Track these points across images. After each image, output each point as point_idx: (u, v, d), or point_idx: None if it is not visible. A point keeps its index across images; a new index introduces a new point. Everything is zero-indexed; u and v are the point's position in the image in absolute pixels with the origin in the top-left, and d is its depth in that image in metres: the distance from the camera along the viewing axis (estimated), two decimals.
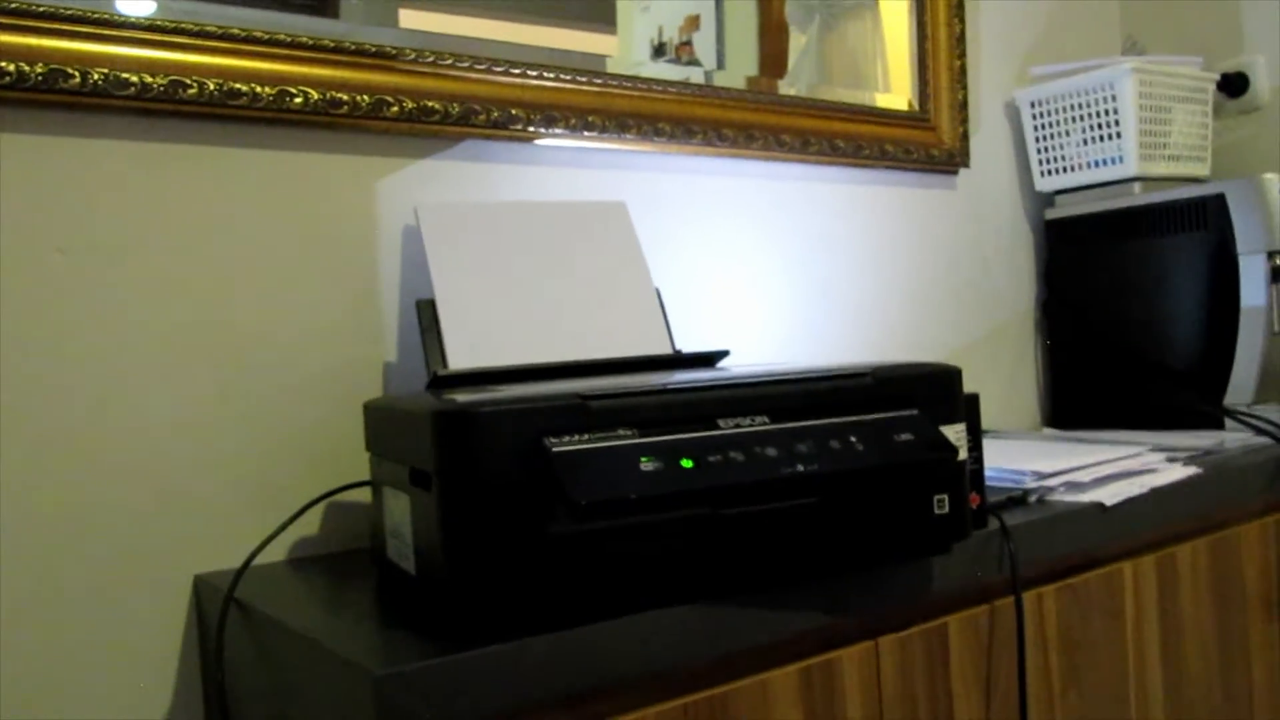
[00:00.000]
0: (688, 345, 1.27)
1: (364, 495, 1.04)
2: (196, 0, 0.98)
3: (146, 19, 0.95)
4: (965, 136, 1.60)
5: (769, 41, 1.44)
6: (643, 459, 0.68)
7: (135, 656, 0.94)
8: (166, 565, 0.96)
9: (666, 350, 1.06)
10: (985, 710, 0.94)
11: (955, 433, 0.82)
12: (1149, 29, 1.88)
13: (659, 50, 1.33)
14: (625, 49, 1.29)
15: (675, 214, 1.32)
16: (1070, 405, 1.70)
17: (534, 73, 1.17)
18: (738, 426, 0.72)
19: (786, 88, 1.43)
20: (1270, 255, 1.44)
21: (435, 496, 0.69)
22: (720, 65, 1.37)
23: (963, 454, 0.82)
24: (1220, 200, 1.48)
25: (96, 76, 0.92)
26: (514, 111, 1.15)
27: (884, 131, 1.51)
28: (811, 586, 0.81)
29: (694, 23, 1.38)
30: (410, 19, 1.12)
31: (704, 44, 1.37)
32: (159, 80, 0.95)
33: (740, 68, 1.39)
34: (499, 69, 1.14)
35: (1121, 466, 1.14)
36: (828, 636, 0.85)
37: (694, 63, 1.35)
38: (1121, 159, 1.59)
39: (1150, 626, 1.10)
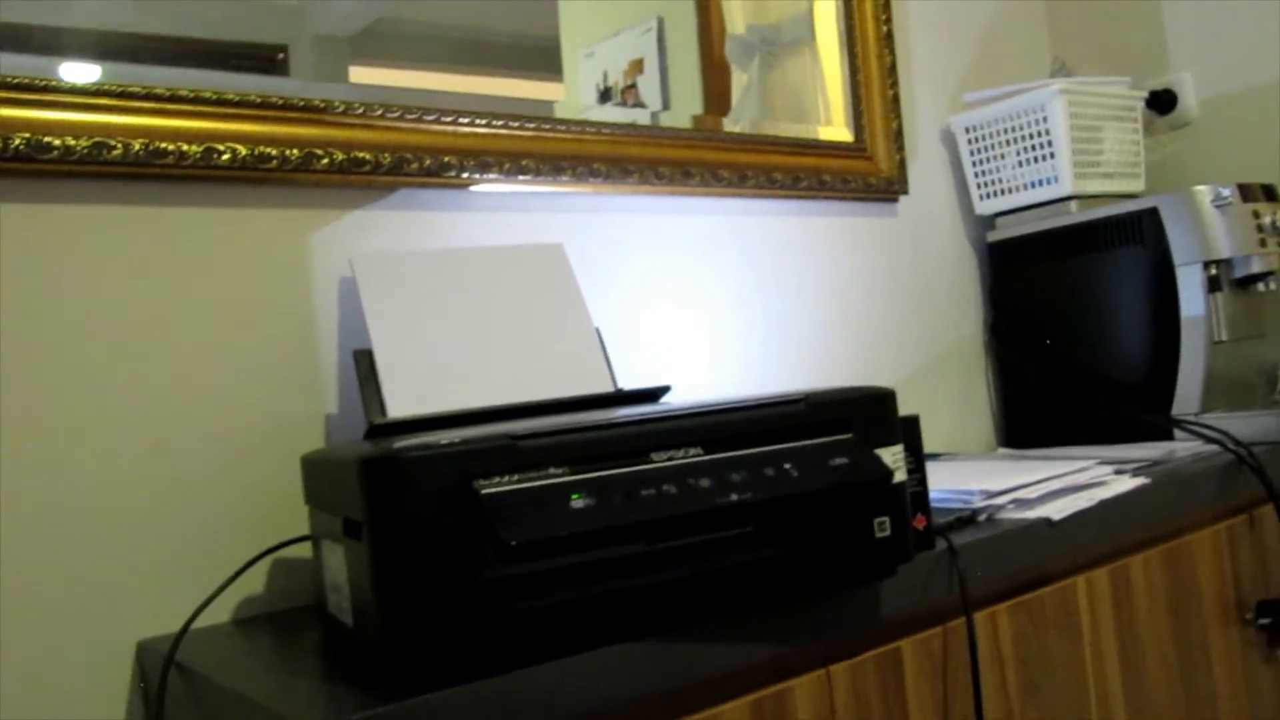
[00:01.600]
0: (635, 383, 1.27)
1: (308, 550, 1.03)
2: (123, 63, 0.98)
3: (69, 83, 0.95)
4: (903, 164, 1.62)
5: (712, 81, 1.45)
6: (573, 496, 0.67)
7: None
8: (108, 633, 0.94)
9: (608, 389, 1.06)
10: None
11: (892, 455, 0.82)
12: (1076, 51, 1.92)
13: (605, 95, 1.34)
14: (572, 95, 1.30)
15: (615, 253, 1.32)
16: (1023, 425, 1.71)
17: (465, 120, 1.17)
18: (670, 459, 0.72)
19: (731, 125, 1.45)
20: (1206, 265, 1.46)
21: (365, 546, 0.68)
22: (665, 106, 1.39)
23: (901, 475, 0.82)
24: (1154, 214, 1.50)
25: (18, 141, 0.91)
26: (447, 159, 1.15)
27: (821, 163, 1.52)
28: (757, 616, 0.80)
29: (638, 66, 1.39)
30: (360, 75, 1.13)
31: (649, 87, 1.38)
32: (82, 143, 0.94)
33: (685, 108, 1.41)
34: (430, 117, 1.15)
35: (1069, 481, 1.14)
36: (779, 666, 0.84)
37: (639, 105, 1.37)
38: (1056, 179, 1.61)
39: (1107, 639, 1.10)
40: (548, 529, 0.65)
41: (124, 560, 0.96)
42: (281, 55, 1.09)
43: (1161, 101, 1.79)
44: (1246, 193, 1.49)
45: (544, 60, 1.29)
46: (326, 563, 0.83)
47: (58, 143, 0.93)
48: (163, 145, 0.98)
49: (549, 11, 1.30)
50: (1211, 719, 1.21)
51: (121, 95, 0.97)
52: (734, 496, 0.70)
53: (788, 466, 0.74)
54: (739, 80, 1.49)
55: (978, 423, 1.73)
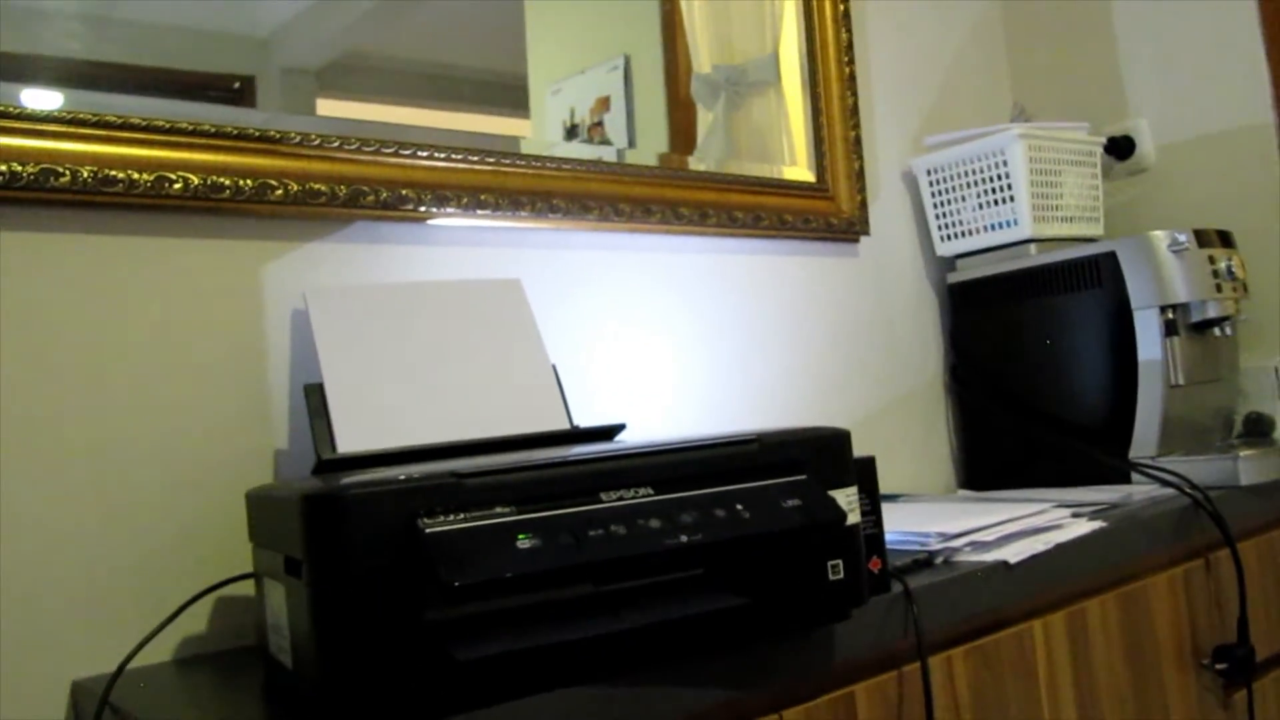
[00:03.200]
0: (594, 421, 1.25)
1: (252, 589, 1.01)
2: (84, 90, 0.97)
3: (17, 108, 0.93)
4: (864, 205, 1.63)
5: (677, 119, 1.46)
6: (520, 536, 0.66)
7: None
8: (42, 671, 0.92)
9: (563, 426, 1.04)
10: None
11: (846, 496, 0.81)
12: (1036, 96, 1.94)
13: (571, 132, 1.34)
14: (539, 132, 1.30)
15: (574, 289, 1.31)
16: (983, 467, 1.71)
17: (424, 153, 1.16)
18: (620, 499, 0.71)
19: (696, 164, 1.45)
20: (1162, 310, 1.47)
21: (305, 584, 0.66)
22: (631, 144, 1.39)
23: (855, 518, 0.82)
24: (1112, 258, 1.51)
25: None
26: (404, 192, 1.14)
27: (783, 202, 1.53)
28: (709, 660, 0.79)
29: (604, 104, 1.40)
30: (328, 108, 1.12)
31: (615, 124, 1.38)
32: (29, 169, 0.92)
33: (651, 146, 1.41)
34: (388, 150, 1.14)
35: (1026, 524, 1.14)
36: (731, 711, 0.82)
37: (605, 143, 1.37)
38: (1016, 222, 1.62)
39: (1064, 684, 1.10)
40: (492, 570, 0.63)
41: (61, 595, 0.93)
42: (247, 86, 1.08)
43: (1119, 147, 1.81)
44: (1202, 238, 1.51)
45: (511, 96, 1.29)
46: (269, 602, 0.81)
47: (3, 168, 0.91)
48: (113, 173, 0.96)
49: (517, 48, 1.30)
50: None
51: (71, 122, 0.96)
52: (684, 538, 0.69)
53: (739, 507, 0.72)
54: (704, 119, 1.50)
55: (937, 464, 1.73)
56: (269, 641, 0.81)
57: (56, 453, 0.94)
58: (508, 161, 1.24)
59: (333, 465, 0.91)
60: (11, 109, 0.93)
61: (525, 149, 1.27)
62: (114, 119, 0.98)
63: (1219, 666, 1.28)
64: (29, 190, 0.92)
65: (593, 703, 0.72)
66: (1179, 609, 1.26)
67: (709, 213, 1.42)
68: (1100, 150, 1.75)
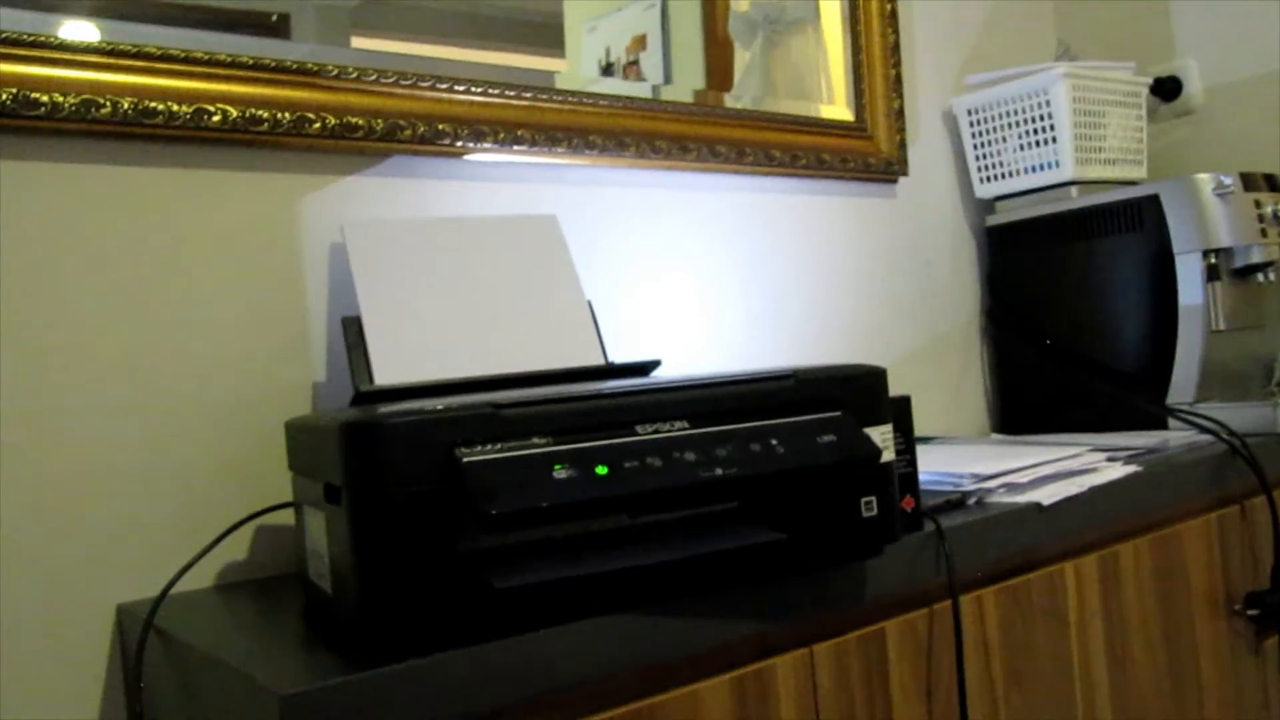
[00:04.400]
0: (628, 358, 1.26)
1: (293, 518, 1.02)
2: (119, 21, 0.97)
3: (59, 39, 0.93)
4: (903, 145, 1.61)
5: (714, 58, 1.44)
6: (556, 467, 0.66)
7: (57, 691, 0.91)
8: (89, 595, 0.94)
9: (598, 362, 1.05)
10: (926, 717, 0.93)
11: (881, 434, 0.81)
12: (1082, 35, 1.90)
13: (607, 70, 1.33)
14: (574, 71, 1.29)
15: (611, 226, 1.31)
16: (1018, 410, 1.70)
17: (460, 87, 1.16)
18: (656, 432, 0.71)
19: (733, 102, 1.43)
20: (1205, 254, 1.45)
21: (344, 512, 0.67)
22: (667, 82, 1.37)
23: (889, 455, 0.82)
24: (1155, 201, 1.49)
25: (4, 96, 0.90)
26: (441, 127, 1.13)
27: (821, 141, 1.51)
28: (740, 593, 0.79)
29: (640, 42, 1.38)
30: (362, 45, 1.12)
31: (650, 63, 1.37)
32: (70, 100, 0.93)
33: (687, 84, 1.40)
34: (425, 84, 1.13)
35: (1061, 467, 1.13)
36: (761, 645, 0.83)
37: (641, 81, 1.35)
38: (1058, 163, 1.60)
39: (1094, 626, 1.10)
40: (528, 500, 0.64)
41: (107, 523, 0.95)
42: (283, 22, 1.07)
43: (1166, 88, 1.78)
44: (1248, 182, 1.48)
45: (547, 35, 1.28)
46: (308, 529, 0.82)
47: (45, 99, 0.91)
48: (152, 105, 0.97)
49: None
50: (1197, 709, 1.20)
51: (112, 53, 0.96)
52: (719, 471, 0.69)
53: (774, 442, 0.73)
54: (742, 58, 1.48)
55: (971, 407, 1.72)
56: (308, 568, 0.83)
57: (100, 383, 0.95)
58: (544, 97, 1.23)
59: (370, 397, 0.91)
60: (53, 39, 0.93)
61: (565, 82, 1.26)
62: (154, 50, 0.98)
63: (1251, 613, 1.27)
64: (71, 121, 0.93)
65: (625, 632, 0.73)
66: (1212, 555, 1.25)
67: (746, 151, 1.41)
68: (1146, 91, 1.71)
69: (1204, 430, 1.35)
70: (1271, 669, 1.31)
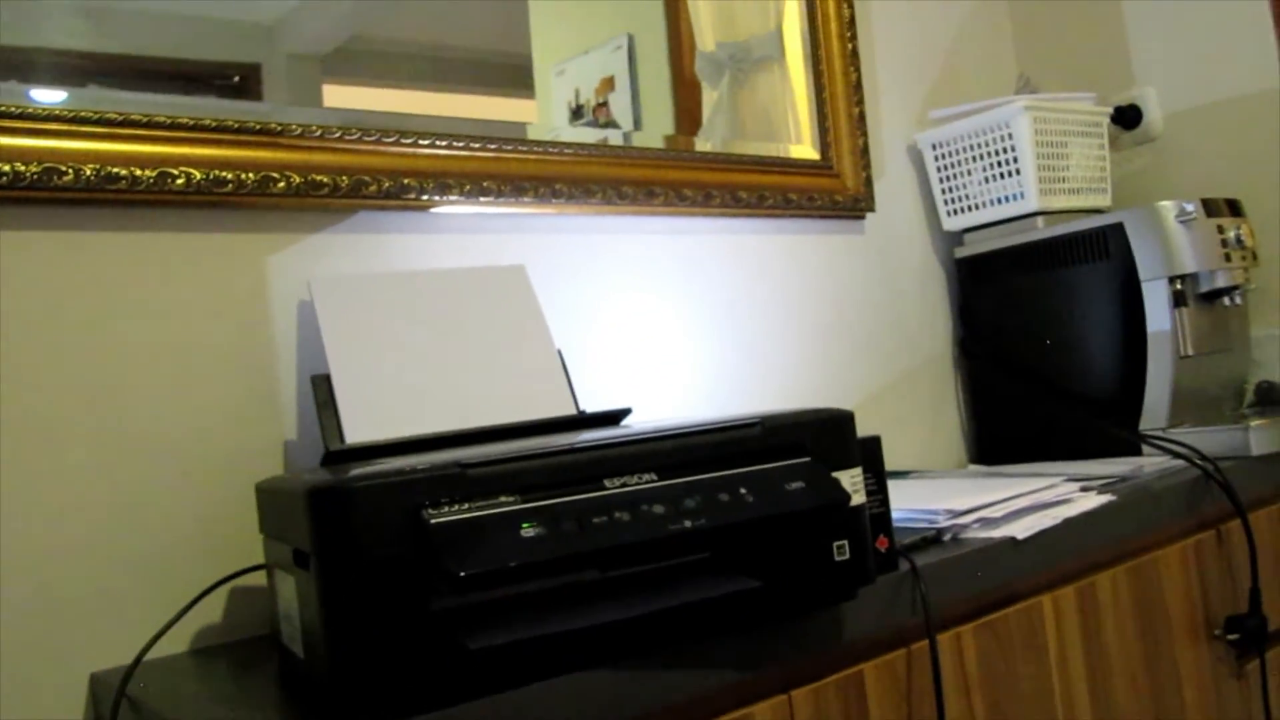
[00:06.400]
0: (601, 405, 1.26)
1: (265, 579, 1.02)
2: (85, 85, 0.97)
3: (20, 107, 0.93)
4: (869, 181, 1.62)
5: (683, 98, 1.46)
6: (524, 525, 0.66)
7: None
8: (61, 665, 0.93)
9: (570, 411, 1.05)
10: None
11: (850, 477, 0.81)
12: (1042, 67, 1.92)
13: (577, 113, 1.34)
14: (544, 113, 1.30)
15: (579, 274, 1.32)
16: (994, 441, 1.71)
17: (425, 141, 1.16)
18: (624, 485, 0.71)
19: (702, 143, 1.45)
20: (1171, 280, 1.47)
21: (313, 576, 0.67)
22: (637, 125, 1.39)
23: (859, 499, 0.82)
24: (1120, 230, 1.51)
25: None
26: (406, 181, 1.14)
27: (788, 181, 1.52)
28: (716, 643, 0.79)
29: (609, 84, 1.39)
30: (333, 93, 1.12)
31: (620, 104, 1.38)
32: (32, 168, 0.93)
33: (657, 126, 1.41)
34: (389, 139, 1.14)
35: (1035, 499, 1.14)
36: (739, 692, 0.83)
37: (611, 124, 1.37)
38: (1023, 195, 1.61)
39: (1075, 658, 1.10)
40: (497, 559, 0.64)
41: (77, 589, 0.94)
42: (253, 73, 1.08)
43: (1126, 117, 1.80)
44: (1210, 207, 1.50)
45: (516, 78, 1.29)
46: (280, 592, 0.82)
47: (6, 168, 0.92)
48: (115, 170, 0.97)
49: (521, 29, 1.29)
50: None
51: (73, 120, 0.96)
52: (688, 523, 0.69)
53: (743, 491, 0.73)
54: (710, 97, 1.49)
55: (948, 439, 1.73)
56: (281, 631, 0.82)
57: (68, 450, 0.95)
58: (509, 147, 1.24)
59: (341, 456, 0.91)
60: (14, 108, 0.93)
61: (531, 132, 1.27)
62: (115, 116, 0.98)
63: (1231, 637, 1.28)
64: (33, 190, 0.93)
65: (602, 687, 0.72)
66: (1190, 581, 1.26)
67: (713, 193, 1.42)
68: (1107, 120, 1.74)
69: (1177, 455, 1.36)
70: (1253, 692, 1.31)
